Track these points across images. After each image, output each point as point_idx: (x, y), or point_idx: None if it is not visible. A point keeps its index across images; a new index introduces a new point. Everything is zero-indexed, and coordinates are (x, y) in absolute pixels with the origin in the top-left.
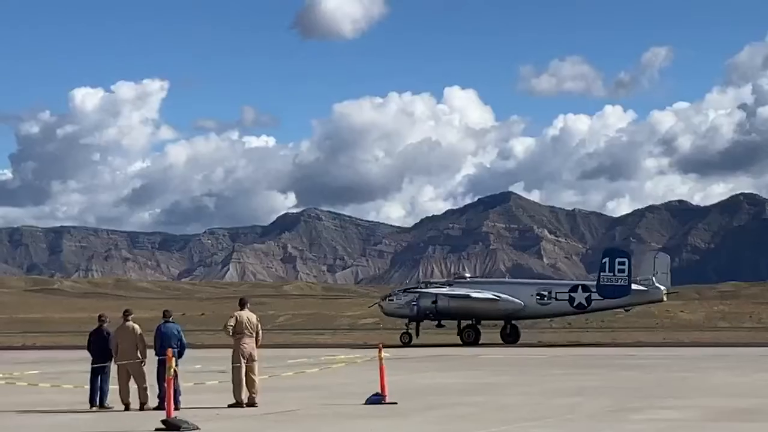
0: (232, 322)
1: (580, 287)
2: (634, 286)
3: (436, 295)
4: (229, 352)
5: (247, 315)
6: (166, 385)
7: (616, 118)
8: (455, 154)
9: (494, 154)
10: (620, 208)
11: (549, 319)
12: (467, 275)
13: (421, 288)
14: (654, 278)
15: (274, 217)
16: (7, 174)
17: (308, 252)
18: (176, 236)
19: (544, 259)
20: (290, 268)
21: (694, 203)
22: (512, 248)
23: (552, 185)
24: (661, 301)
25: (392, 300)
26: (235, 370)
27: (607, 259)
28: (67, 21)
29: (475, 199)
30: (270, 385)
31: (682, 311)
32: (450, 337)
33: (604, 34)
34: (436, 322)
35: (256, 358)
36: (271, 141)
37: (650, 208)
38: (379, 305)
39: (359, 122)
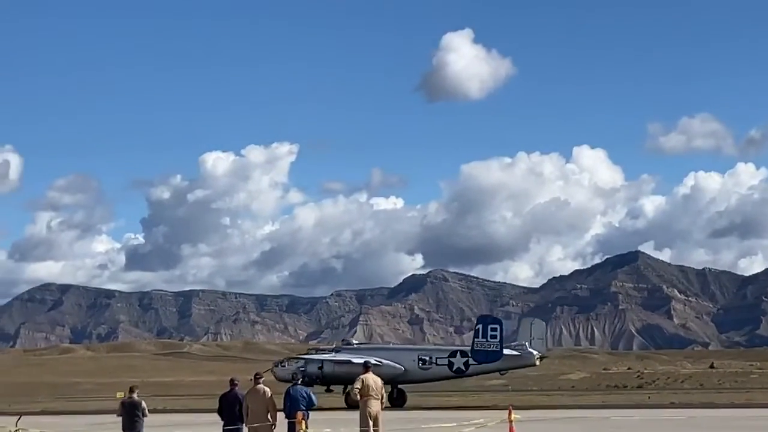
0: (358, 385)
1: (458, 353)
2: (508, 351)
3: (322, 361)
4: (354, 414)
5: (373, 378)
6: None
7: (748, 175)
8: (584, 213)
9: (623, 214)
10: (753, 266)
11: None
12: (354, 342)
13: (310, 354)
14: (529, 344)
15: (401, 279)
16: (139, 238)
17: (435, 313)
18: (303, 298)
19: (675, 319)
20: (417, 329)
21: None
22: (641, 308)
23: (682, 244)
24: (534, 365)
25: (284, 366)
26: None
27: (480, 326)
28: (197, 87)
29: (604, 258)
30: None
31: None
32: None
33: (734, 92)
34: (325, 387)
35: (381, 420)
36: (399, 203)
37: None
38: (272, 371)
39: (487, 183)
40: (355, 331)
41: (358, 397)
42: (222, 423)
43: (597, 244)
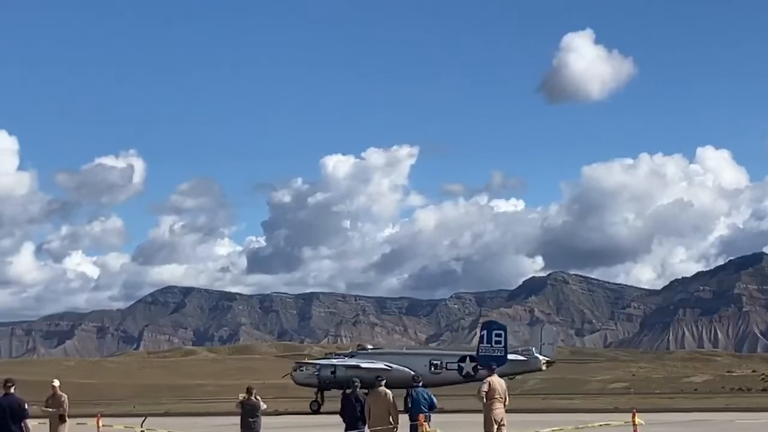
0: (485, 388)
1: (467, 358)
2: (514, 356)
3: (335, 366)
4: (475, 416)
5: (498, 381)
6: None
7: None
8: (708, 215)
9: (748, 215)
10: None
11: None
12: (369, 347)
13: (328, 358)
14: (536, 349)
15: (521, 281)
16: (260, 241)
17: (555, 316)
18: (423, 301)
19: None
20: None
21: None
22: (766, 310)
23: None
24: (540, 370)
25: (302, 370)
26: None
27: (485, 332)
28: (318, 91)
29: (727, 260)
30: None
31: None
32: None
33: None
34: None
35: (505, 423)
36: (519, 204)
37: None
38: (291, 375)
39: (609, 184)
40: (475, 334)
41: (485, 400)
42: (344, 424)
43: (721, 246)
